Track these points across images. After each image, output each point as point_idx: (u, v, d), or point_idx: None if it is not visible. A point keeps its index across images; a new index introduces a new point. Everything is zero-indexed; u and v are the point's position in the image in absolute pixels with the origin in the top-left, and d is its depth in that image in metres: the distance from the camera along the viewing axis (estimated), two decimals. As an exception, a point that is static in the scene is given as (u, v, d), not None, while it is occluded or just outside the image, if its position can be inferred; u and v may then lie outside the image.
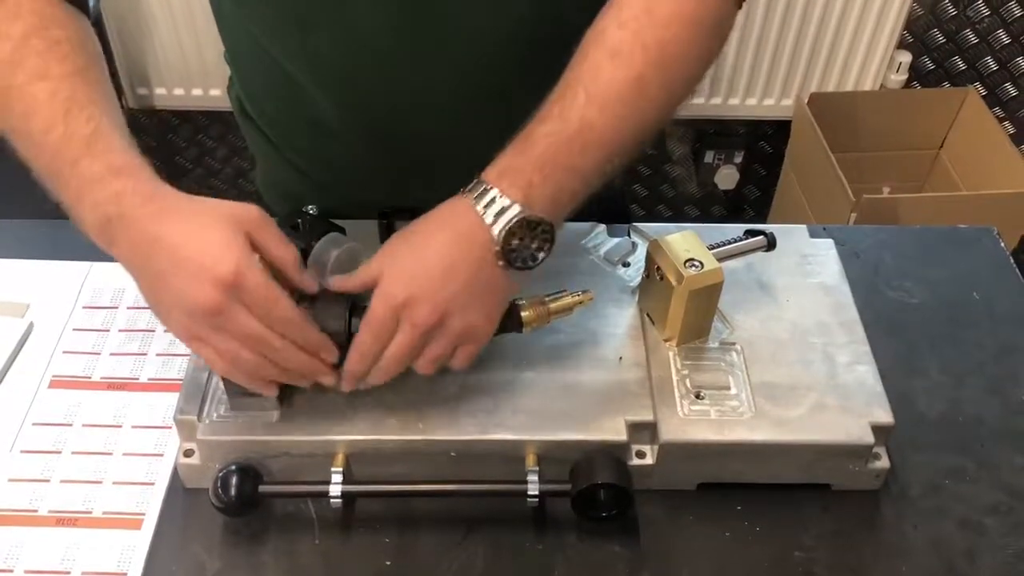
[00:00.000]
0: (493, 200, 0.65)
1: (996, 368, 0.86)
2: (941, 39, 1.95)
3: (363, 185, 0.88)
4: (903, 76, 1.93)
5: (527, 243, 0.66)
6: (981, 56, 1.96)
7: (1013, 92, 2.01)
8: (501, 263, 0.66)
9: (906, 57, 1.91)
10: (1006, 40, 1.94)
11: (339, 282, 0.69)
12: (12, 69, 0.67)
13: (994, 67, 1.97)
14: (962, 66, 1.98)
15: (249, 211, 0.65)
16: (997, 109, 2.01)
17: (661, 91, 0.68)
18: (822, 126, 1.82)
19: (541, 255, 0.67)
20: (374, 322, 0.66)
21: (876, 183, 1.98)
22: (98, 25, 1.65)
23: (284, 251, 0.65)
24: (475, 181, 0.67)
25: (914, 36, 1.93)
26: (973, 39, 1.94)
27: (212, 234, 0.62)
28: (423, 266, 0.66)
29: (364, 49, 0.78)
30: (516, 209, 0.65)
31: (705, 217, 2.26)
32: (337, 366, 0.68)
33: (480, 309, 0.68)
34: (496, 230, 0.65)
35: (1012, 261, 0.96)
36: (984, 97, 1.95)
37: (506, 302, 0.70)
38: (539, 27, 0.77)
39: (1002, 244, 0.98)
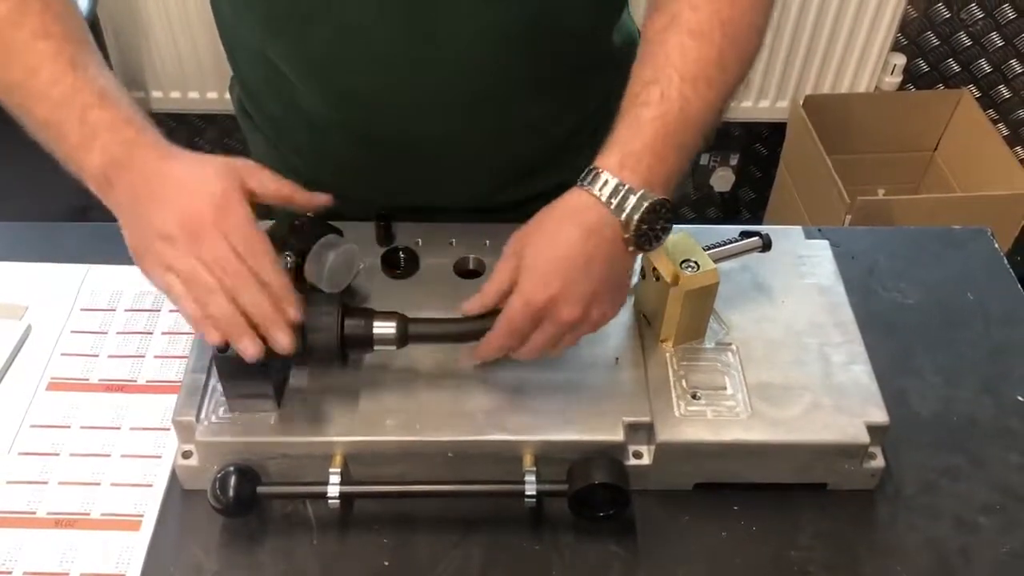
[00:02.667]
0: (617, 189, 0.67)
1: (989, 368, 0.86)
2: (935, 41, 1.96)
3: (361, 185, 0.88)
4: (898, 78, 1.94)
5: (654, 225, 0.67)
6: (975, 59, 1.97)
7: (1007, 94, 2.02)
8: (631, 248, 0.68)
9: (900, 59, 1.92)
10: (999, 43, 1.95)
11: (473, 305, 0.70)
12: (13, 27, 0.69)
13: (988, 69, 1.98)
14: (956, 68, 1.99)
15: (242, 161, 0.70)
16: (991, 111, 2.02)
17: (736, 65, 0.73)
18: (817, 128, 1.82)
19: (665, 234, 0.69)
20: (514, 322, 0.68)
21: (871, 185, 1.99)
22: (94, 28, 1.65)
23: (281, 184, 0.70)
24: (592, 172, 0.68)
25: (908, 39, 1.94)
26: (967, 42, 1.95)
27: (210, 168, 0.68)
28: (561, 266, 0.67)
29: (363, 49, 0.78)
30: (641, 195, 0.66)
31: (701, 219, 2.27)
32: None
33: (616, 297, 0.70)
34: (625, 218, 0.67)
35: (1006, 262, 0.96)
36: (978, 99, 1.96)
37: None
38: (537, 29, 0.78)
39: (996, 245, 0.98)
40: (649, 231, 0.67)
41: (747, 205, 2.25)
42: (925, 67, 1.99)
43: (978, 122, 1.89)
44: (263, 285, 0.65)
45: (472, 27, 0.76)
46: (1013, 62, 1.97)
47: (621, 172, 0.67)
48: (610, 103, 0.73)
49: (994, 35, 1.94)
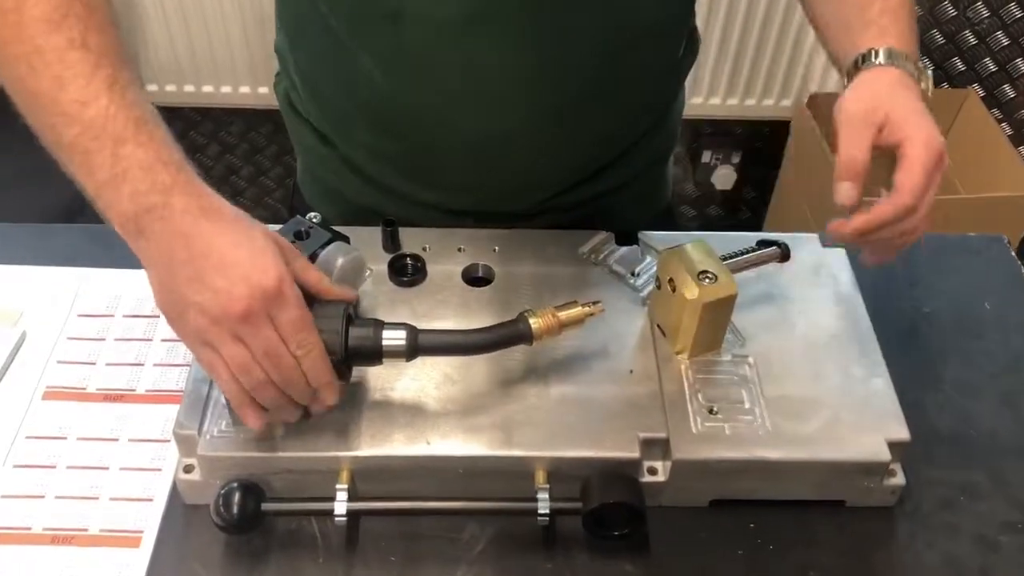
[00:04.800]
0: (909, 61, 0.73)
1: (1008, 380, 0.85)
2: (941, 40, 1.94)
3: (420, 183, 0.86)
4: (902, 77, 1.92)
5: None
6: (980, 57, 1.96)
7: (1011, 94, 2.00)
8: None
9: (906, 58, 1.90)
10: (1005, 42, 1.93)
11: (846, 181, 0.70)
12: (49, 29, 0.62)
13: (993, 68, 1.97)
14: (961, 67, 1.97)
15: (283, 240, 0.67)
16: (995, 110, 2.00)
17: None
18: (822, 127, 1.80)
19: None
20: (930, 166, 0.69)
21: (874, 184, 1.97)
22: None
23: (316, 274, 0.67)
24: (883, 51, 0.72)
25: (913, 37, 1.92)
26: (972, 40, 1.93)
27: (260, 245, 0.63)
28: (928, 118, 0.70)
29: (455, 50, 0.76)
30: (923, 68, 0.74)
31: (701, 217, 2.25)
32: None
33: None
34: (928, 90, 0.74)
35: (1023, 269, 0.94)
36: (983, 98, 1.94)
37: None
38: (626, 33, 0.79)
39: (1012, 253, 0.96)
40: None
41: (748, 204, 2.23)
42: (930, 66, 1.97)
43: (983, 121, 1.88)
44: (308, 375, 0.64)
45: (571, 33, 0.76)
46: (1019, 61, 1.95)
47: (907, 47, 0.73)
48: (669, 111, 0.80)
49: (1000, 34, 1.92)
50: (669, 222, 1.09)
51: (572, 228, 0.92)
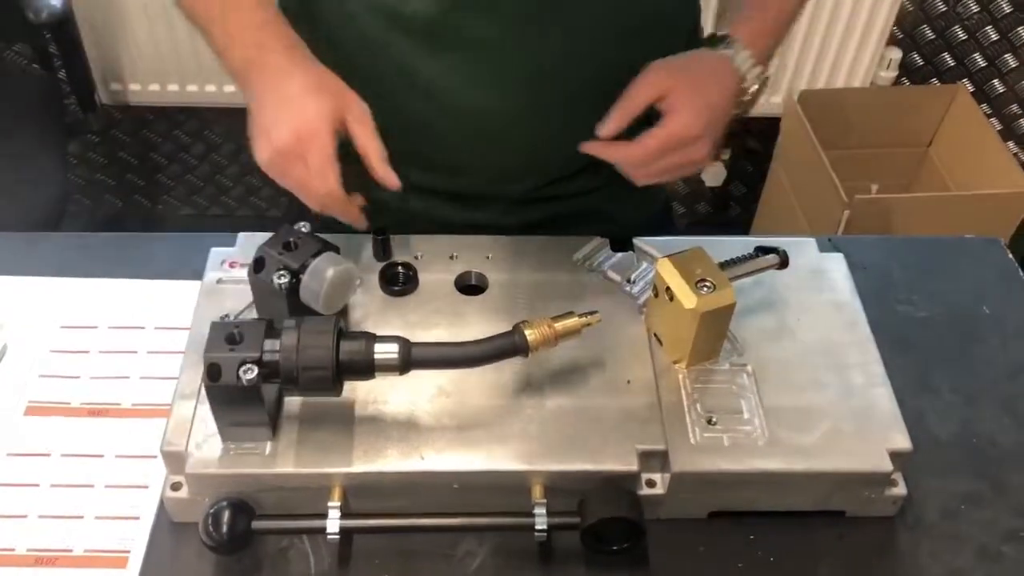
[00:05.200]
0: (747, 61, 0.80)
1: (1009, 386, 0.84)
2: (931, 35, 1.93)
3: (429, 148, 0.88)
4: (893, 73, 1.91)
5: (756, 94, 0.82)
6: (970, 52, 1.95)
7: (1000, 89, 2.00)
8: (736, 111, 0.81)
9: (896, 54, 1.90)
10: (994, 37, 1.92)
11: (610, 127, 0.77)
12: None
13: (982, 64, 1.96)
14: (951, 62, 1.96)
15: (358, 103, 0.75)
16: (984, 106, 2.00)
17: None
18: (812, 123, 1.79)
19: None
20: (659, 147, 0.76)
21: (864, 180, 1.96)
22: (69, 18, 1.59)
23: (371, 144, 0.75)
24: (728, 40, 0.80)
25: (903, 32, 1.92)
26: (962, 35, 1.93)
27: (315, 98, 0.73)
28: (707, 112, 0.77)
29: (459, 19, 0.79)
30: (760, 71, 0.81)
31: (690, 213, 2.24)
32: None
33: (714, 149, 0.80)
34: (749, 88, 0.81)
35: (1021, 273, 0.94)
36: (972, 93, 1.93)
37: None
38: (647, 19, 0.83)
39: (1010, 255, 0.95)
40: (751, 102, 0.82)
41: (738, 200, 2.22)
42: (920, 61, 1.97)
43: (973, 117, 1.87)
44: (328, 196, 0.74)
45: (574, 18, 0.79)
46: (1008, 56, 1.95)
47: (753, 46, 0.80)
48: None
49: (989, 29, 1.92)
50: (667, 219, 1.09)
51: (570, 219, 0.93)
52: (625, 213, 0.95)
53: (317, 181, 0.73)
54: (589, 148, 0.80)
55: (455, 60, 0.80)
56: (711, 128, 0.77)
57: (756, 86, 0.81)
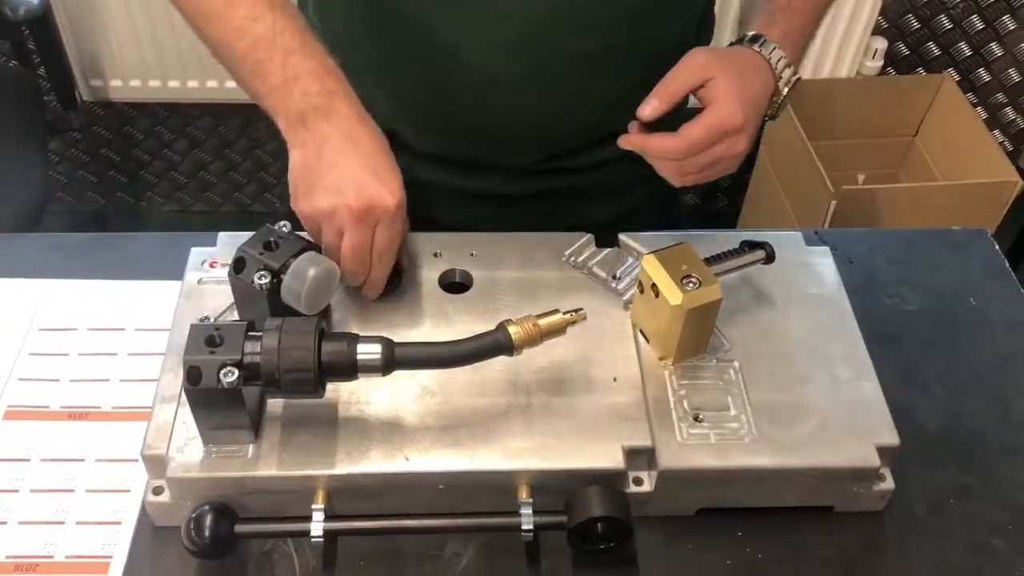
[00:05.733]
0: (781, 61, 0.80)
1: (996, 379, 0.84)
2: (916, 25, 1.93)
3: (428, 133, 0.89)
4: (879, 62, 1.91)
5: (786, 98, 0.81)
6: (955, 42, 1.95)
7: (986, 78, 2.00)
8: (767, 112, 0.80)
9: (882, 43, 1.89)
10: (980, 25, 1.92)
11: (650, 109, 0.75)
12: None
13: (968, 53, 1.96)
14: (936, 52, 1.96)
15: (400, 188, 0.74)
16: (970, 95, 2.00)
17: None
18: (798, 114, 1.79)
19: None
20: (704, 137, 0.74)
21: (850, 170, 1.96)
22: (47, 15, 1.57)
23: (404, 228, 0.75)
24: (762, 40, 0.80)
25: (889, 22, 1.91)
26: (947, 24, 1.93)
27: (390, 161, 0.73)
28: (750, 104, 0.76)
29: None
30: (791, 71, 0.80)
31: (677, 204, 2.23)
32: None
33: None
34: (783, 88, 0.80)
35: (1007, 264, 0.93)
36: (957, 83, 1.93)
37: None
38: (629, 17, 0.82)
39: (996, 247, 0.95)
40: (782, 105, 0.81)
41: (724, 191, 2.22)
42: (905, 50, 1.97)
43: (959, 107, 1.87)
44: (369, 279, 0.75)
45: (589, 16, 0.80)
46: (993, 45, 1.95)
47: (783, 46, 0.79)
48: None
49: (974, 18, 1.92)
50: (673, 199, 1.11)
51: (577, 192, 0.94)
52: (633, 189, 0.95)
53: (374, 258, 0.73)
54: (627, 142, 0.78)
55: (473, 20, 0.80)
56: (753, 120, 0.76)
57: (787, 89, 0.80)
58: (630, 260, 0.82)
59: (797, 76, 0.81)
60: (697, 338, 0.74)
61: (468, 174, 0.92)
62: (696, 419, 0.72)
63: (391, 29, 0.84)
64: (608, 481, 0.68)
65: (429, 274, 0.80)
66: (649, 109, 0.75)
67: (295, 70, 0.72)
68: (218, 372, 0.63)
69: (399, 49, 0.85)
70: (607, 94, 0.87)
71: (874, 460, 0.70)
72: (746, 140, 0.76)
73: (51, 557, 0.68)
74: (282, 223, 0.74)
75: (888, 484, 0.72)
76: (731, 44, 0.82)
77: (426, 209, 0.90)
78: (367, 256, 0.73)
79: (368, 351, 0.66)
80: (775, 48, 0.79)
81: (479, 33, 0.81)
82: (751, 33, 0.81)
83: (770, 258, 0.77)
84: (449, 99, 0.86)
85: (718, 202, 2.24)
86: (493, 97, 0.85)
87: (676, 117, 0.82)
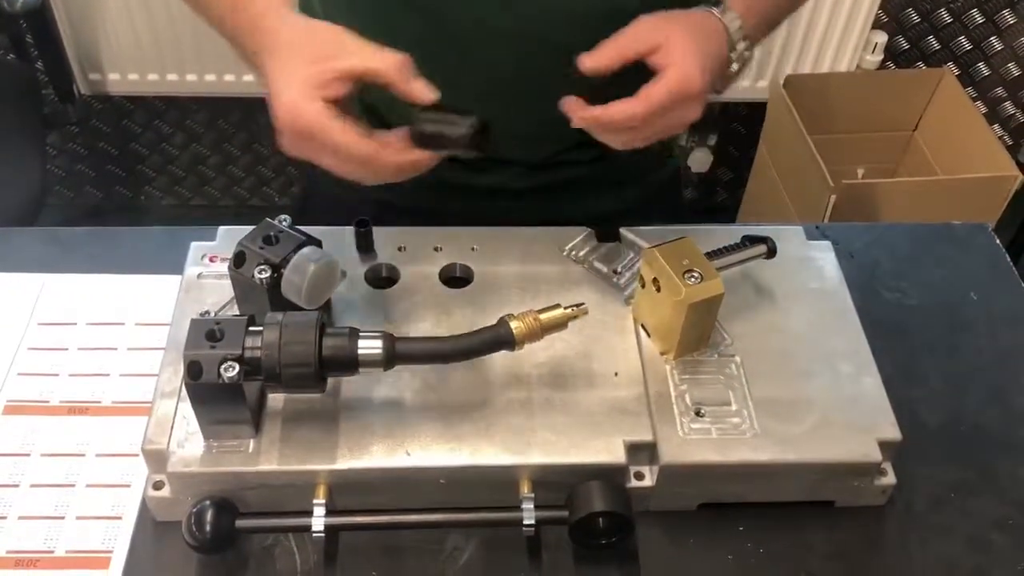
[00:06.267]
0: (738, 32, 0.76)
1: (997, 374, 0.83)
2: (916, 18, 1.92)
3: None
4: (878, 57, 1.91)
5: (736, 74, 0.79)
6: (955, 36, 1.95)
7: (986, 72, 2.00)
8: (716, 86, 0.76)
9: (882, 37, 1.89)
10: (980, 19, 1.92)
11: (599, 58, 0.72)
12: None
13: (968, 47, 1.96)
14: (936, 46, 1.96)
15: (341, 46, 0.68)
16: (970, 89, 2.00)
17: None
18: (798, 108, 1.79)
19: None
20: (664, 100, 0.70)
21: (850, 165, 1.96)
22: (45, 8, 1.56)
23: (381, 60, 0.67)
24: (725, 8, 0.76)
25: (889, 15, 1.91)
26: (947, 18, 1.92)
27: (285, 75, 0.67)
28: (710, 71, 0.72)
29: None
30: (745, 45, 0.77)
31: (678, 198, 2.22)
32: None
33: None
34: (734, 61, 0.77)
35: (1009, 259, 0.93)
36: (957, 77, 1.93)
37: None
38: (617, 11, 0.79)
39: (997, 241, 0.95)
40: (730, 80, 0.78)
41: (724, 185, 2.22)
42: (905, 44, 1.96)
43: (959, 101, 1.87)
44: (380, 160, 0.67)
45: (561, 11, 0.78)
46: (993, 39, 1.95)
47: (744, 16, 0.76)
48: None
49: (975, 12, 1.91)
50: (675, 187, 1.11)
51: (581, 185, 0.93)
52: (634, 183, 0.95)
53: (340, 155, 0.67)
54: (583, 119, 0.73)
55: (475, 15, 0.79)
56: (708, 89, 0.73)
57: (737, 66, 0.77)
58: (631, 254, 0.82)
59: (750, 54, 0.78)
60: (699, 332, 0.74)
61: (471, 169, 0.91)
62: (697, 414, 0.71)
63: (396, 26, 0.83)
64: (609, 476, 0.68)
65: (430, 268, 0.80)
66: (593, 59, 0.71)
67: (236, 34, 0.73)
68: (219, 367, 0.63)
69: (406, 44, 0.85)
70: (608, 91, 0.86)
71: (875, 455, 0.70)
72: (699, 108, 0.72)
73: (51, 552, 0.68)
74: (282, 217, 0.73)
75: (889, 479, 0.72)
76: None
77: (428, 203, 0.90)
78: (352, 168, 0.68)
79: (369, 346, 0.65)
80: (736, 17, 0.76)
81: (481, 29, 0.80)
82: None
83: (771, 253, 0.77)
84: (450, 97, 0.85)
85: (717, 196, 2.24)
86: (497, 94, 0.84)
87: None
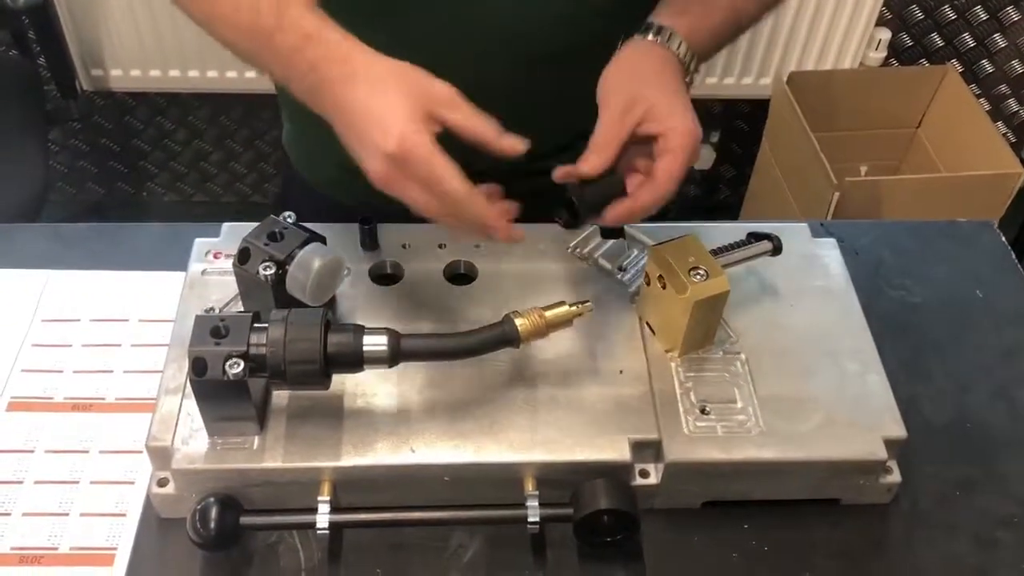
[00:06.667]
0: (687, 55, 0.75)
1: (1002, 371, 0.83)
2: (920, 15, 1.92)
3: None
4: (882, 53, 1.90)
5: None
6: (959, 32, 1.94)
7: (989, 69, 1.99)
8: None
9: (886, 34, 1.88)
10: (983, 16, 1.92)
11: (594, 161, 0.70)
12: None
13: (971, 44, 1.95)
14: (940, 43, 1.96)
15: (441, 88, 0.66)
16: (973, 86, 1.99)
17: None
18: (801, 105, 1.78)
19: None
20: (690, 152, 0.70)
21: (853, 162, 1.96)
22: (48, 4, 1.56)
23: (478, 124, 0.65)
24: (670, 33, 0.75)
25: (892, 12, 1.90)
26: (951, 15, 1.92)
27: (387, 103, 0.64)
28: (689, 104, 0.72)
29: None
30: (696, 60, 0.77)
31: (680, 197, 2.22)
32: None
33: None
34: (689, 82, 0.77)
35: (1014, 256, 0.93)
36: (961, 74, 1.93)
37: None
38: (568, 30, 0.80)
39: (1003, 239, 0.95)
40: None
41: (727, 182, 2.21)
42: (909, 41, 1.96)
43: (963, 98, 1.86)
44: (468, 205, 0.65)
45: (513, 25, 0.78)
46: (997, 36, 1.94)
47: (689, 38, 0.75)
48: None
49: (978, 9, 1.91)
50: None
51: (552, 193, 0.90)
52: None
53: (434, 189, 0.64)
54: (617, 218, 0.71)
55: (448, 26, 0.78)
56: (638, 105, 0.71)
57: (690, 80, 0.77)
58: (636, 252, 0.81)
59: (696, 71, 0.78)
60: (704, 330, 0.74)
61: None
62: (703, 411, 0.71)
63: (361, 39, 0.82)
64: (614, 473, 0.68)
65: (434, 266, 0.80)
66: (591, 166, 0.70)
67: (281, 54, 0.67)
68: (224, 364, 0.63)
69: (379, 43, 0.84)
70: (587, 91, 0.85)
71: (881, 453, 0.70)
72: (700, 144, 0.72)
73: (56, 549, 0.68)
74: (287, 214, 0.73)
75: (895, 477, 0.72)
76: (631, 38, 0.76)
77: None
78: (437, 206, 0.65)
79: (374, 343, 0.65)
80: (681, 42, 0.75)
81: (446, 39, 0.79)
82: (656, 22, 0.76)
83: (777, 250, 0.77)
84: None
85: (720, 194, 2.23)
86: (473, 102, 0.83)
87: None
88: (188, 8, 0.72)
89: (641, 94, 0.71)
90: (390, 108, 0.63)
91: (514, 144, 0.66)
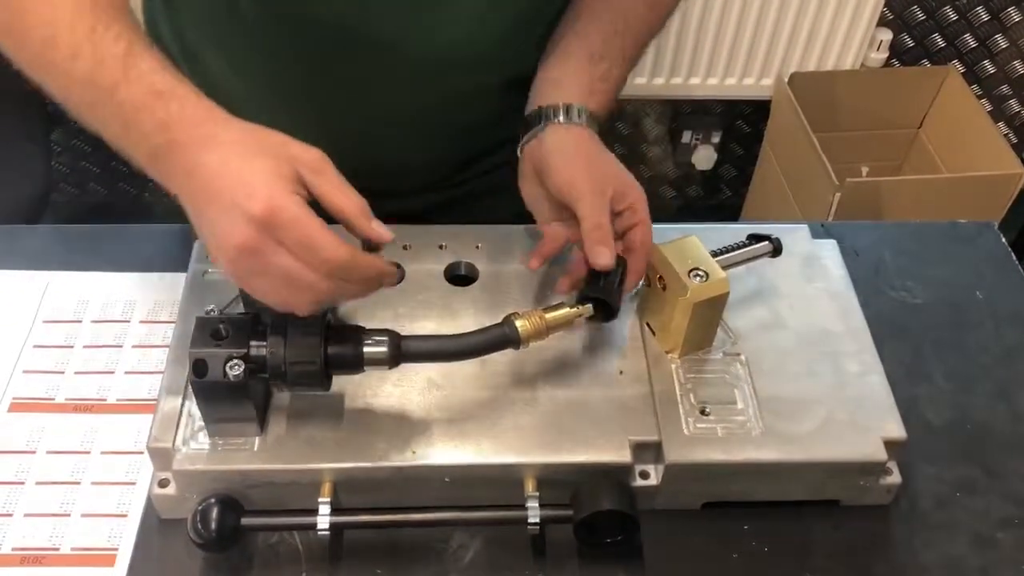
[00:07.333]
0: (592, 120, 0.76)
1: (1002, 372, 0.83)
2: (921, 16, 1.92)
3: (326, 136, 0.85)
4: (883, 54, 1.90)
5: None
6: (960, 33, 1.94)
7: (991, 69, 1.99)
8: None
9: (887, 35, 1.89)
10: (985, 17, 1.92)
11: (604, 257, 0.70)
12: None
13: (973, 44, 1.95)
14: (941, 43, 1.96)
15: (307, 151, 0.59)
16: (975, 87, 1.99)
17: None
18: (802, 106, 1.78)
19: None
20: (641, 216, 0.72)
21: (854, 163, 1.96)
22: None
23: (346, 199, 0.59)
24: (577, 110, 0.75)
25: (894, 13, 1.90)
26: (953, 16, 1.92)
27: (251, 164, 0.57)
28: (623, 170, 0.74)
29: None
30: (597, 122, 0.77)
31: (680, 197, 2.23)
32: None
33: None
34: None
35: (1014, 257, 0.93)
36: (962, 74, 1.93)
37: None
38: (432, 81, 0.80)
39: (1003, 240, 0.95)
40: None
41: (728, 183, 2.21)
42: (910, 42, 1.96)
43: (964, 99, 1.86)
44: (354, 267, 0.59)
45: (381, 58, 0.77)
46: (998, 37, 1.94)
47: (587, 103, 0.76)
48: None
49: (980, 9, 1.91)
50: None
51: (479, 196, 0.95)
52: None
53: (311, 258, 0.56)
54: (628, 292, 0.73)
55: (370, 55, 0.78)
56: (607, 186, 0.72)
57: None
58: (636, 253, 0.81)
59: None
60: (704, 331, 0.74)
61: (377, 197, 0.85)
62: (703, 412, 0.71)
63: (284, 78, 0.81)
64: (614, 474, 0.68)
65: (434, 266, 0.80)
66: (607, 259, 0.69)
67: (124, 108, 0.58)
68: (224, 365, 0.63)
69: (294, 93, 0.83)
70: (489, 119, 0.86)
71: (881, 454, 0.70)
72: (639, 193, 0.74)
73: (57, 549, 0.68)
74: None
75: (895, 478, 0.72)
76: (543, 113, 0.75)
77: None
78: (308, 279, 0.58)
79: (375, 344, 0.65)
80: (582, 110, 0.75)
81: (367, 73, 0.79)
82: (569, 104, 0.75)
83: (777, 251, 0.77)
84: (344, 139, 0.75)
85: (721, 194, 2.24)
86: (390, 134, 0.84)
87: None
88: (14, 54, 0.62)
89: (602, 174, 0.72)
90: (254, 169, 0.56)
91: (381, 234, 0.60)
